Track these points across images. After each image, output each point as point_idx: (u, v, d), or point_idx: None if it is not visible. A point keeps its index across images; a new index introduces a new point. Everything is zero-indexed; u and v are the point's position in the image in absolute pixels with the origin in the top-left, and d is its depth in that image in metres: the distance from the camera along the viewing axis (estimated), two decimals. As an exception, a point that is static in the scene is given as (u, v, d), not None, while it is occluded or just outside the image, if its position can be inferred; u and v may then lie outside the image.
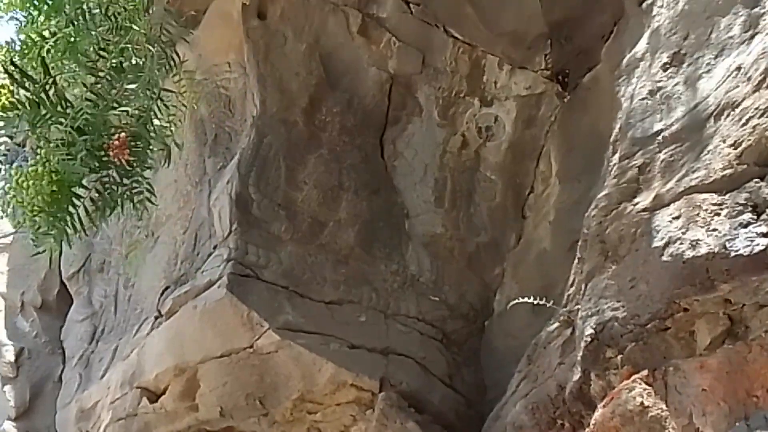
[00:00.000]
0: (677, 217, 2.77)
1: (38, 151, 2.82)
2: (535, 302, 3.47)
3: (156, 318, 4.03)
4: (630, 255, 2.93)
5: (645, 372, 2.75)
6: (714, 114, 2.96)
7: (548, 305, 3.51)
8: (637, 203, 3.02)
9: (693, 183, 2.83)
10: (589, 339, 2.96)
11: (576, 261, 3.43)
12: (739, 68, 2.96)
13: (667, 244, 2.74)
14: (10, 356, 4.59)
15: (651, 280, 2.80)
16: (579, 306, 3.24)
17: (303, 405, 3.80)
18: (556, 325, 3.41)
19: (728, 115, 2.90)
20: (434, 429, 3.76)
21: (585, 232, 3.28)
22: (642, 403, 2.67)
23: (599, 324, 2.95)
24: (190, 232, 4.25)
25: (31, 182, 2.75)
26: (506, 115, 4.54)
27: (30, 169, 2.77)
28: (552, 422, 3.33)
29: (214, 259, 3.90)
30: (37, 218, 2.87)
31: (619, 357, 2.91)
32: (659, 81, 3.23)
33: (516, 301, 3.53)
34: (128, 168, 2.97)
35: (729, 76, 2.98)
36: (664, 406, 2.64)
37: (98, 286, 4.75)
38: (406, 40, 4.49)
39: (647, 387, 2.70)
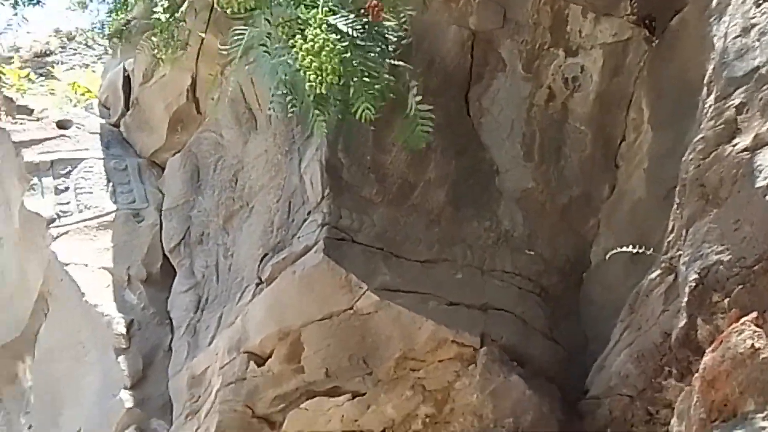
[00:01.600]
0: (780, 155, 2.71)
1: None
2: (634, 251, 3.43)
3: (257, 285, 4.12)
4: (732, 197, 2.88)
5: (754, 314, 2.71)
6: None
7: (648, 253, 3.47)
8: (737, 144, 2.95)
9: (798, 116, 2.75)
10: (693, 284, 2.92)
11: (674, 207, 3.38)
12: None
13: (771, 183, 2.68)
14: (121, 328, 4.76)
15: (755, 221, 2.75)
16: (680, 252, 3.20)
17: (405, 363, 3.85)
18: (658, 272, 3.37)
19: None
20: (537, 382, 3.77)
21: (683, 177, 3.23)
22: (752, 345, 2.63)
23: (703, 268, 2.91)
24: (283, 200, 4.33)
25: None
26: (593, 64, 4.46)
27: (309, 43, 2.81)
28: (659, 370, 3.31)
29: (308, 225, 3.96)
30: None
31: (725, 300, 2.87)
32: (753, 17, 3.15)
33: (614, 251, 3.49)
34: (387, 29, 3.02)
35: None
36: (775, 348, 2.60)
37: (199, 258, 4.88)
38: (487, -6, 4.45)
39: (757, 329, 2.66)
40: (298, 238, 3.97)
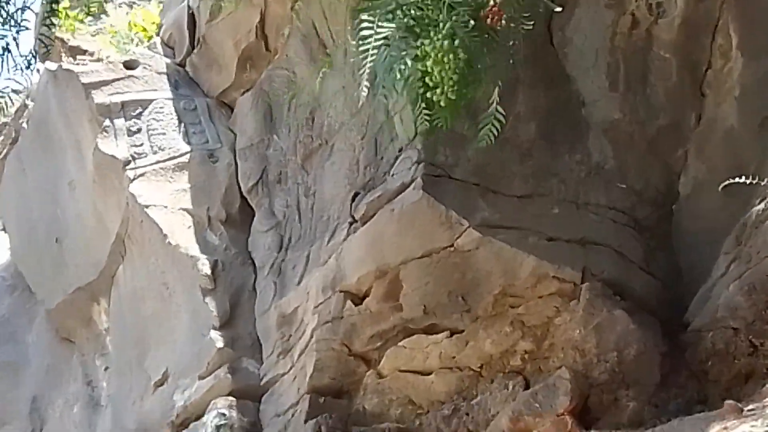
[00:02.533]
0: None
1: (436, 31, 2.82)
2: (748, 182, 3.35)
3: (351, 224, 4.09)
4: None
5: None
6: None
7: (762, 183, 3.39)
8: None
9: None
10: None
11: (784, 136, 3.29)
12: None
13: None
14: (206, 269, 4.76)
15: None
16: (796, 182, 3.14)
17: (505, 299, 3.83)
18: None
19: None
20: (640, 315, 3.74)
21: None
22: None
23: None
24: (368, 137, 4.27)
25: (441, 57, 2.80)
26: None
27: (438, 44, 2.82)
28: (771, 300, 3.28)
29: (402, 162, 3.91)
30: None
31: None
32: None
33: (727, 182, 3.41)
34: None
35: None
36: None
37: (278, 197, 4.85)
38: None
39: None
40: (392, 175, 3.93)
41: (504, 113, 3.83)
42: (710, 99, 4.35)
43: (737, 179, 3.40)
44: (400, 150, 3.98)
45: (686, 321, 3.78)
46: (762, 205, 3.39)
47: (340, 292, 4.05)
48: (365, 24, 3.07)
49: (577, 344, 3.72)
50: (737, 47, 4.23)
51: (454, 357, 3.93)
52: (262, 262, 4.75)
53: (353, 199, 4.13)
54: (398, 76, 3.00)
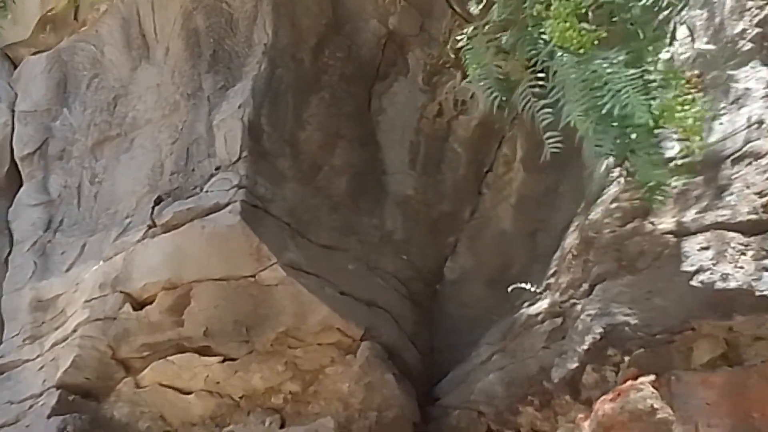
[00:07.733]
0: (706, 248, 3.13)
1: None
2: (532, 288, 3.73)
3: (149, 227, 3.96)
4: (650, 270, 3.26)
5: (653, 377, 3.11)
6: (732, 158, 3.32)
7: (533, 289, 3.77)
8: (659, 224, 3.34)
9: (719, 219, 3.19)
10: (598, 337, 3.29)
11: (570, 257, 3.72)
12: (760, 123, 3.33)
13: (697, 272, 3.09)
14: (-41, 230, 4.34)
15: (670, 298, 3.16)
16: (575, 300, 3.57)
17: (286, 339, 3.90)
18: (542, 312, 3.70)
19: (750, 164, 3.27)
20: (405, 383, 3.98)
21: (592, 236, 3.58)
22: (652, 405, 3.03)
23: (609, 325, 3.28)
24: (180, 144, 4.19)
25: None
26: (482, 93, 4.73)
27: None
28: (523, 397, 3.67)
29: (220, 182, 3.89)
30: None
31: (619, 356, 3.27)
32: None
33: (515, 285, 3.77)
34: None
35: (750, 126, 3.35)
36: (671, 411, 3.02)
37: (56, 174, 4.56)
38: (411, 1, 4.62)
39: (654, 391, 3.07)
40: (207, 192, 3.88)
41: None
42: (487, 199, 4.78)
43: (522, 285, 3.76)
44: (217, 168, 3.96)
45: (435, 395, 4.09)
46: (532, 310, 3.77)
47: (121, 292, 3.90)
48: None
49: (344, 397, 3.87)
50: (520, 160, 4.71)
51: (218, 382, 3.92)
52: (23, 237, 4.43)
53: (156, 203, 4.01)
54: None
